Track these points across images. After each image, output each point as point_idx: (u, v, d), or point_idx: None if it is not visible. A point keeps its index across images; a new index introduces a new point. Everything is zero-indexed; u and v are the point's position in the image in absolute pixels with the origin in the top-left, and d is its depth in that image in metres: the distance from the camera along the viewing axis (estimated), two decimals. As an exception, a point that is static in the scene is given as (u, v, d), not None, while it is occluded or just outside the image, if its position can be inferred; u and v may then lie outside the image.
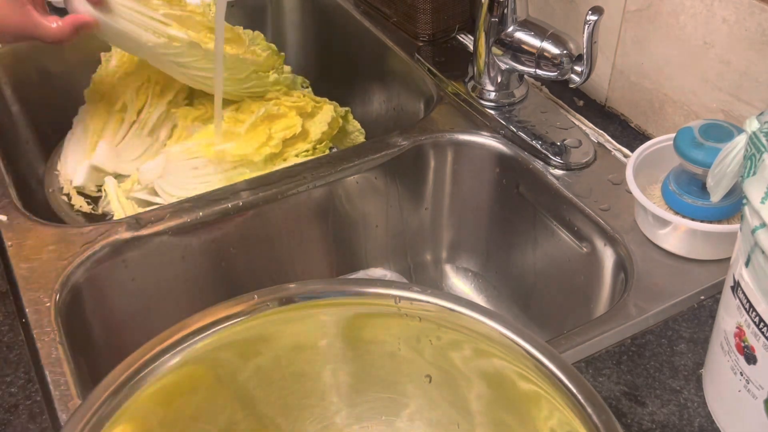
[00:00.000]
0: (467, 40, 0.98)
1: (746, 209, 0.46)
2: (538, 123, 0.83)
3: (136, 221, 0.72)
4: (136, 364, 0.45)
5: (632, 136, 0.82)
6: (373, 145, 0.83)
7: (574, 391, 0.43)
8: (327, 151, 0.92)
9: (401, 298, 0.49)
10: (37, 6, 0.79)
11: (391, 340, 0.51)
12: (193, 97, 0.97)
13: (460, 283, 0.93)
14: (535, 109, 0.85)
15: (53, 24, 0.78)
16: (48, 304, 0.64)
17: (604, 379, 0.58)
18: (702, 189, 0.65)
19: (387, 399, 0.53)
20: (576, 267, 0.76)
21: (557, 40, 0.77)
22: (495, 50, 0.82)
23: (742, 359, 0.49)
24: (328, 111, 0.93)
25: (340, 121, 0.95)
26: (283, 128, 0.88)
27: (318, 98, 0.96)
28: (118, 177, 0.92)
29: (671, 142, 0.66)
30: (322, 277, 0.87)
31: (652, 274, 0.66)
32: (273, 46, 0.99)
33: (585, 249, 0.74)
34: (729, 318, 0.50)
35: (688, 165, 0.64)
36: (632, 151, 0.73)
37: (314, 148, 0.90)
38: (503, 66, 0.83)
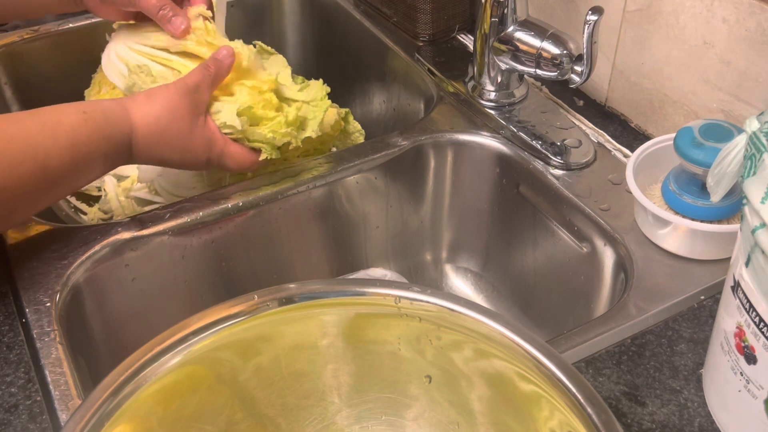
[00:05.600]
0: (467, 40, 0.98)
1: (746, 209, 0.46)
2: (538, 123, 0.83)
3: (136, 221, 0.72)
4: (136, 364, 0.45)
5: (632, 136, 0.82)
6: (373, 145, 0.83)
7: (574, 391, 0.43)
8: (327, 152, 0.91)
9: (401, 298, 0.49)
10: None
11: (391, 340, 0.51)
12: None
13: (460, 283, 0.93)
14: (535, 109, 0.85)
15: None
16: (48, 304, 0.64)
17: (604, 379, 0.58)
18: (702, 189, 0.65)
19: (387, 399, 0.53)
20: (576, 267, 0.76)
21: (557, 40, 0.77)
22: (495, 50, 0.82)
23: (742, 359, 0.49)
24: (331, 114, 0.93)
25: (342, 123, 0.95)
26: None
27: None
28: (118, 177, 0.92)
29: (671, 142, 0.66)
30: (322, 277, 0.87)
31: (652, 274, 0.66)
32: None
33: (585, 249, 0.74)
34: (729, 318, 0.50)
35: (688, 165, 0.64)
36: (632, 151, 0.73)
37: (315, 149, 0.90)
38: (503, 66, 0.83)
